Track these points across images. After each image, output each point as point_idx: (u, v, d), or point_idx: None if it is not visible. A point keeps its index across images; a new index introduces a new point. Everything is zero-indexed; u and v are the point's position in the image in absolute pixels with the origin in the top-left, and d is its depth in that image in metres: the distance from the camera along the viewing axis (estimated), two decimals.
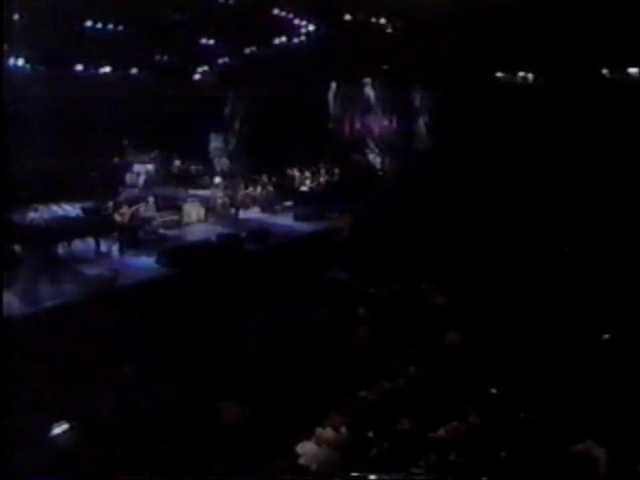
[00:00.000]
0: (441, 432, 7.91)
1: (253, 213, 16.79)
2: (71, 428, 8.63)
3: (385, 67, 19.11)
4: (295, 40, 17.94)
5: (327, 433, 7.68)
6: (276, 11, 16.82)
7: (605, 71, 18.95)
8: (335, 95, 20.37)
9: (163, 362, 9.47)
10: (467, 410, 8.23)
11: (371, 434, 7.98)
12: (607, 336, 10.14)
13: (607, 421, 7.76)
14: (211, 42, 19.03)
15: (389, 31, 16.78)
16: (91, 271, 11.27)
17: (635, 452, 7.24)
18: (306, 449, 7.39)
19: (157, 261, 12.14)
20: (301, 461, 7.26)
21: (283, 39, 18.08)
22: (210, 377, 9.25)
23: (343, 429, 7.83)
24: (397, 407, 8.52)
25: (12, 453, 7.77)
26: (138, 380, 9.27)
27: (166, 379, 9.21)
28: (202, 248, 12.83)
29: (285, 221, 15.97)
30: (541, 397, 8.38)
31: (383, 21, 16.69)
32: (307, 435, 7.55)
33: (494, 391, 8.63)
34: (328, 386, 8.72)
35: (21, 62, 17.39)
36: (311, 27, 17.48)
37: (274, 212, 16.81)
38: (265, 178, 18.04)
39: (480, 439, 7.77)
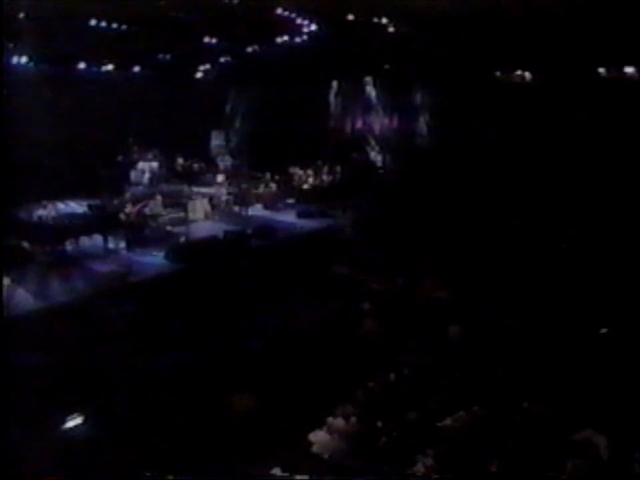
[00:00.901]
0: (448, 421, 8.20)
1: (256, 210, 17.00)
2: (88, 419, 8.90)
3: (386, 66, 19.34)
4: (297, 39, 18.12)
5: (338, 422, 7.94)
6: (279, 11, 17.00)
7: (601, 70, 19.24)
8: (337, 94, 20.57)
9: (177, 353, 9.73)
10: (471, 400, 8.51)
11: (379, 423, 8.26)
12: (604, 330, 10.42)
13: (606, 411, 8.05)
14: (214, 41, 19.19)
15: (390, 30, 16.99)
16: (102, 267, 11.50)
17: (632, 439, 7.54)
18: (318, 437, 7.65)
19: (166, 257, 12.36)
20: (314, 449, 7.52)
21: (285, 38, 18.27)
22: (221, 368, 9.49)
23: (353, 419, 8.10)
24: (404, 398, 8.80)
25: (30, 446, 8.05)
26: (153, 371, 9.52)
27: (180, 371, 9.45)
28: (210, 244, 13.06)
29: (288, 217, 16.17)
30: (543, 388, 8.67)
31: (384, 21, 16.91)
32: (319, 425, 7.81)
33: (498, 380, 8.90)
34: (336, 377, 8.98)
35: (26, 61, 17.47)
36: (313, 27, 17.68)
37: (277, 209, 17.01)
38: (267, 176, 18.23)
39: (485, 428, 8.06)
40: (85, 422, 8.75)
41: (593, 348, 9.53)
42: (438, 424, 8.20)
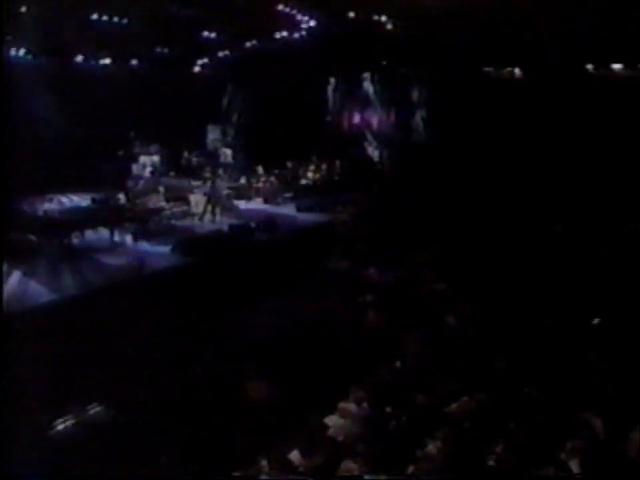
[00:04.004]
0: (453, 406, 8.64)
1: (257, 204, 17.33)
2: (104, 410, 9.19)
3: (384, 62, 19.70)
4: (296, 35, 18.38)
5: (351, 407, 8.34)
6: (278, 6, 17.23)
7: (589, 67, 19.72)
8: (334, 89, 20.92)
9: (189, 345, 10.07)
10: (475, 386, 8.96)
11: (388, 409, 8.67)
12: (597, 320, 10.91)
13: (602, 395, 8.54)
14: (212, 35, 19.35)
15: (389, 27, 17.33)
16: (115, 260, 11.77)
17: (627, 421, 8.04)
18: (333, 421, 8.05)
19: (173, 250, 12.63)
20: (330, 432, 7.92)
21: (284, 33, 18.50)
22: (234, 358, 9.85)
23: (365, 404, 8.50)
24: (411, 385, 9.22)
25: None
26: (166, 363, 9.84)
27: (192, 360, 9.80)
28: (216, 237, 13.37)
29: (288, 211, 16.53)
30: (542, 373, 9.13)
31: (383, 18, 17.25)
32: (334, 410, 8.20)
33: (499, 368, 9.36)
34: (347, 365, 9.38)
35: (30, 56, 17.52)
36: (312, 23, 17.95)
37: (277, 203, 17.36)
38: (267, 170, 18.54)
39: (488, 412, 8.51)
40: (100, 413, 9.07)
41: (590, 339, 10.02)
42: (444, 409, 8.63)
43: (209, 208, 15.23)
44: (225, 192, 16.95)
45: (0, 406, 7.34)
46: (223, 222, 14.92)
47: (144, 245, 13.39)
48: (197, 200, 15.39)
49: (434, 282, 13.27)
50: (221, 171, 18.47)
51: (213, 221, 15.05)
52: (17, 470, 6.52)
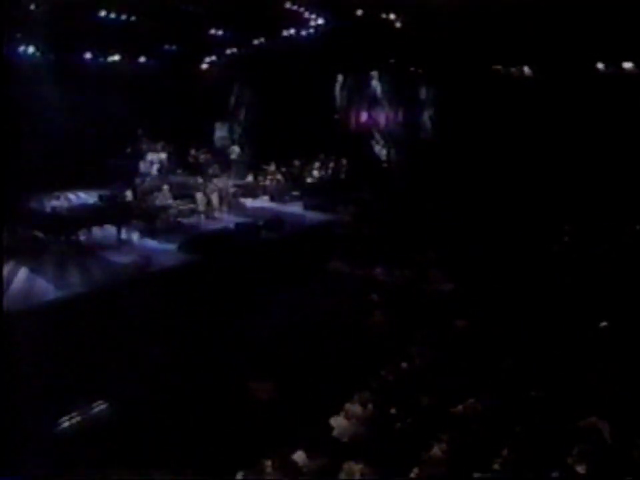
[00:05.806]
0: (459, 408, 8.58)
1: (263, 202, 17.33)
2: (108, 409, 9.23)
3: (392, 60, 19.61)
4: (304, 32, 18.29)
5: (356, 408, 8.31)
6: (286, 4, 17.12)
7: (600, 65, 19.51)
8: (342, 87, 20.87)
9: (194, 344, 10.08)
10: (481, 388, 8.90)
11: (393, 410, 8.62)
12: (604, 323, 10.81)
13: (610, 398, 8.46)
14: (220, 32, 19.26)
15: (398, 25, 17.21)
16: (122, 257, 11.80)
17: (634, 425, 7.97)
18: (338, 422, 8.02)
19: (179, 248, 12.64)
20: (334, 433, 7.89)
21: (292, 31, 18.41)
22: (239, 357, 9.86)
23: (370, 405, 8.46)
24: (417, 386, 9.18)
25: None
26: (170, 362, 9.86)
27: (198, 360, 9.80)
28: (222, 235, 13.37)
29: (295, 209, 16.54)
30: (549, 376, 9.07)
31: (392, 15, 17.13)
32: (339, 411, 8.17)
33: (506, 370, 9.29)
34: (353, 365, 9.35)
35: (38, 53, 17.55)
36: (320, 20, 17.84)
37: (284, 201, 17.34)
38: (273, 168, 18.51)
39: (495, 415, 8.45)
40: (104, 412, 9.10)
41: (596, 341, 9.94)
42: (450, 410, 8.57)
43: (213, 202, 15.19)
44: (232, 190, 16.94)
45: (4, 404, 7.37)
46: (230, 220, 14.92)
47: (151, 243, 13.41)
48: (202, 197, 15.37)
49: (440, 282, 13.23)
50: (228, 169, 18.47)
51: (212, 214, 14.99)
52: (19, 469, 6.52)
